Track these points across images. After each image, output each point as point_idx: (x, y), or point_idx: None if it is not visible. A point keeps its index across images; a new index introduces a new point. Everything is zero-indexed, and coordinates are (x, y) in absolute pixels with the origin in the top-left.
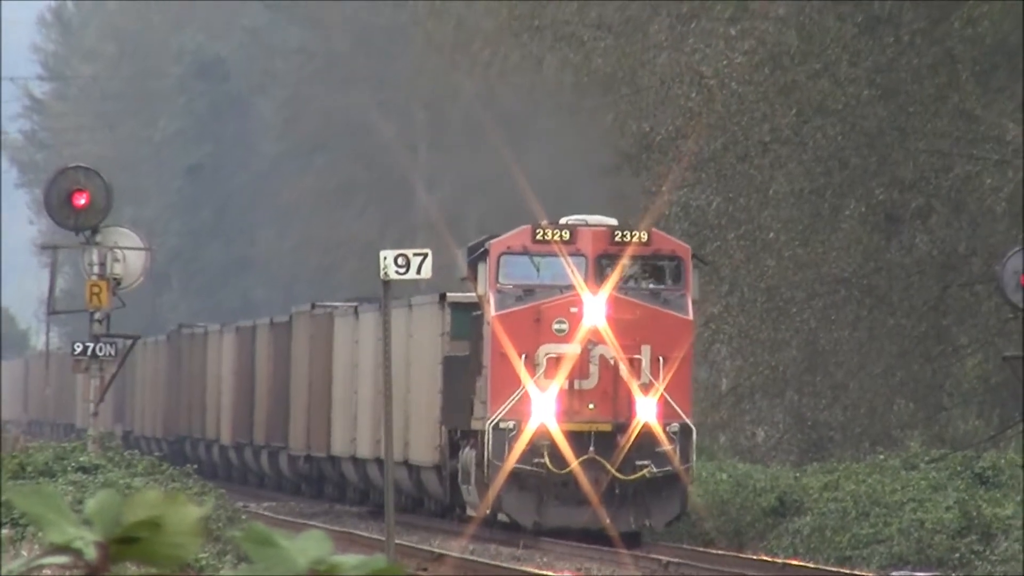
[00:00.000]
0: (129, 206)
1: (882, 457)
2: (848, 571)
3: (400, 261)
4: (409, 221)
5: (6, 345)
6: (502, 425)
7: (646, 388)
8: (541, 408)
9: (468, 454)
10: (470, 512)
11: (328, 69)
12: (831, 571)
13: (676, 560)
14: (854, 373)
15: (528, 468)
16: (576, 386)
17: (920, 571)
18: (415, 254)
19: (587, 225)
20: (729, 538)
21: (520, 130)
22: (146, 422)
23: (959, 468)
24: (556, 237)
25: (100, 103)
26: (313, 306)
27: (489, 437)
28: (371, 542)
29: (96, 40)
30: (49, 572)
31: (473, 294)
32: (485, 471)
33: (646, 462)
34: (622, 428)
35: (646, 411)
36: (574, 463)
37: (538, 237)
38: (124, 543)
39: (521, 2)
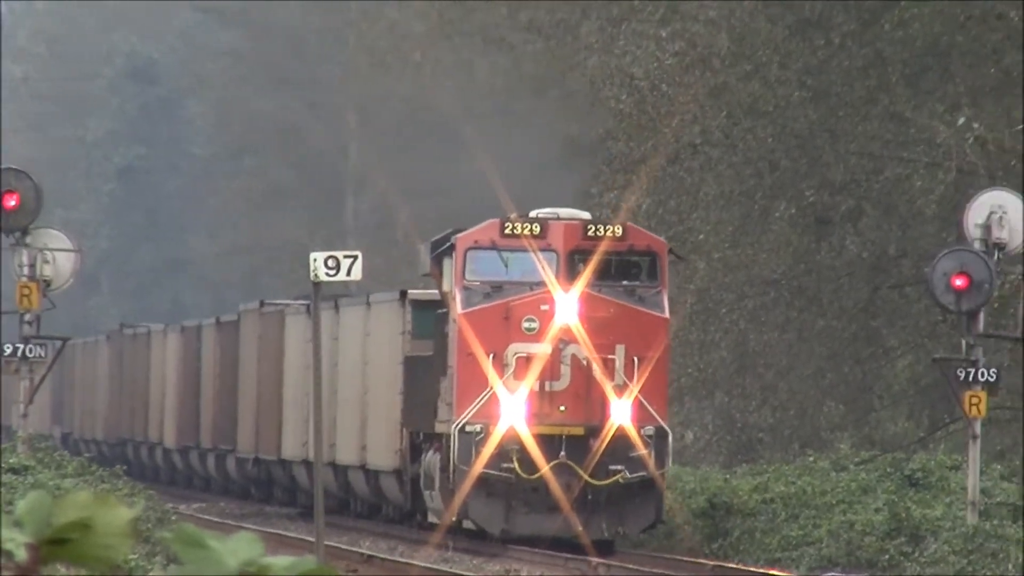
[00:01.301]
0: (59, 208)
1: (812, 459)
2: (778, 572)
3: (330, 263)
4: (339, 223)
5: None
6: (469, 428)
7: (620, 390)
8: (510, 410)
9: (432, 458)
10: (432, 519)
11: (258, 71)
12: (760, 573)
13: (606, 562)
14: (784, 375)
15: (496, 473)
16: (547, 387)
17: (850, 573)
18: (345, 256)
19: (558, 219)
20: (660, 540)
21: (452, 133)
22: (86, 424)
23: (889, 470)
24: (526, 231)
25: (30, 104)
26: (262, 304)
27: (455, 441)
28: (305, 544)
29: (26, 41)
30: None
31: (436, 291)
32: (450, 476)
33: (620, 467)
34: (595, 431)
35: (620, 414)
36: (544, 468)
37: (507, 231)
38: (55, 544)
39: (453, 3)
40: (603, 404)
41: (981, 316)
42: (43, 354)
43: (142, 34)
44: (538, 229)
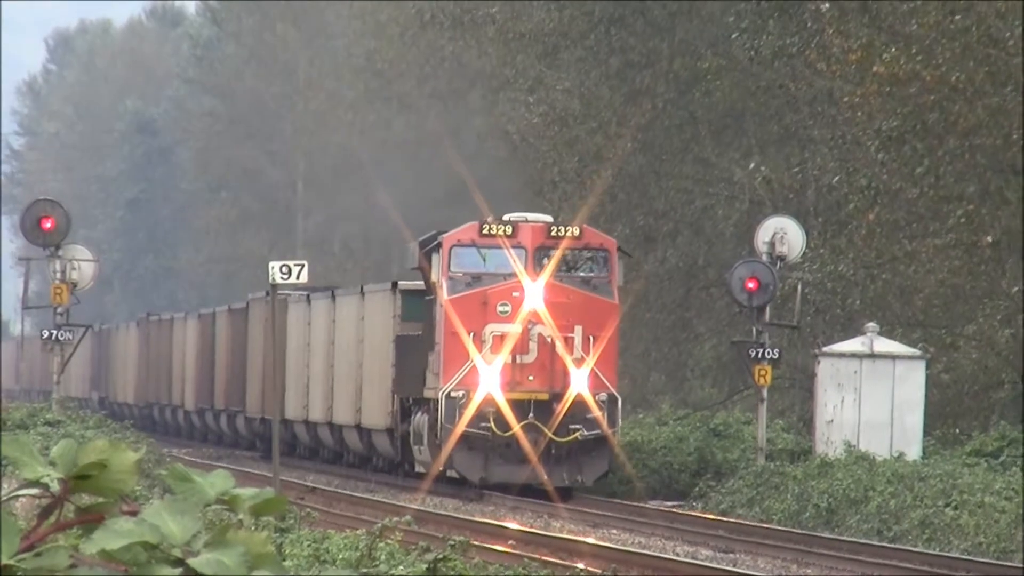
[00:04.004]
0: (83, 229)
1: (641, 416)
2: (618, 501)
3: (284, 270)
4: (291, 240)
5: None
6: (453, 394)
7: (578, 362)
8: (487, 379)
9: (420, 419)
10: (419, 469)
11: (230, 128)
12: (610, 503)
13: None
14: (621, 353)
15: (476, 431)
16: (518, 360)
17: (670, 501)
18: (295, 264)
19: (527, 221)
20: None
21: (374, 173)
22: (119, 390)
23: (698, 424)
24: (500, 232)
25: (61, 152)
26: (267, 293)
27: (442, 404)
28: (266, 479)
29: (58, 104)
30: (24, 501)
31: (421, 282)
32: (438, 434)
33: (578, 426)
34: (558, 397)
35: (578, 382)
36: (516, 427)
37: (484, 232)
38: (79, 479)
39: (375, 75)
40: (564, 374)
41: (767, 310)
42: (71, 337)
43: (144, 99)
44: (510, 230)
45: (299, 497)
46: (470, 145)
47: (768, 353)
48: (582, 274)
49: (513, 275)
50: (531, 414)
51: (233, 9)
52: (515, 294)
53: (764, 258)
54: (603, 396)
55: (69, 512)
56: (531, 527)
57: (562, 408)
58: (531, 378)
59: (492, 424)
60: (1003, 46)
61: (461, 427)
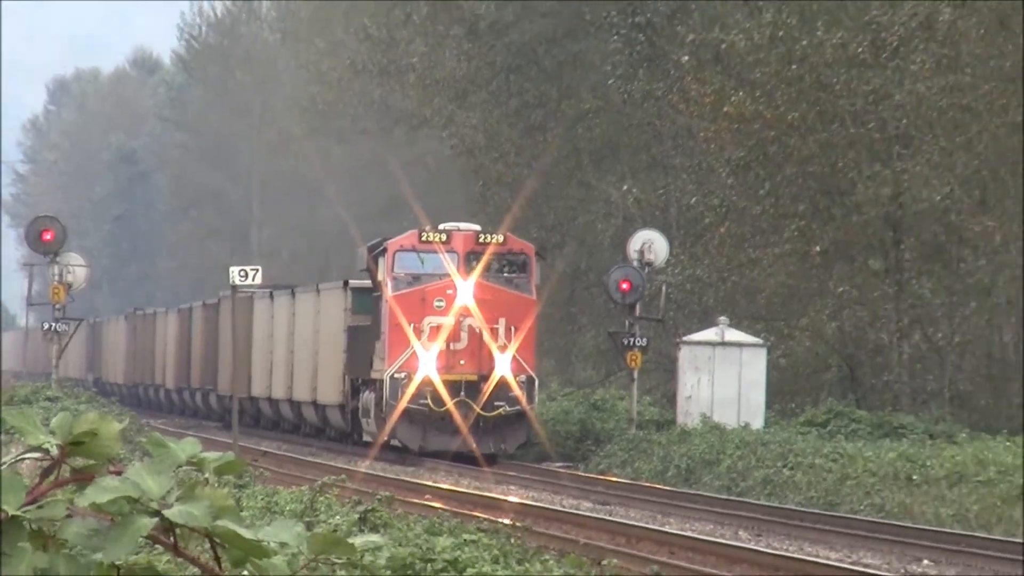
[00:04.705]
0: (77, 240)
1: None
2: (521, 463)
3: (242, 273)
4: (248, 249)
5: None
6: (396, 375)
7: (502, 349)
8: (425, 363)
9: (368, 396)
10: (367, 438)
11: (199, 157)
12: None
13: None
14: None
15: (416, 407)
16: (451, 347)
17: (559, 463)
18: (251, 269)
19: (459, 230)
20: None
21: (316, 194)
22: (111, 372)
23: (581, 399)
24: (436, 239)
25: (58, 177)
26: (235, 291)
27: (387, 384)
28: (228, 444)
29: (56, 138)
30: (28, 463)
31: (369, 282)
32: (383, 409)
33: (502, 403)
34: (485, 378)
35: (502, 366)
36: (449, 403)
37: (423, 238)
38: (74, 445)
39: (316, 113)
40: (490, 359)
41: (637, 306)
42: (67, 328)
43: (127, 134)
44: (445, 237)
45: (254, 460)
46: (395, 172)
47: (638, 341)
48: (505, 274)
49: (447, 275)
50: (462, 392)
51: (200, 59)
52: (449, 291)
53: (635, 264)
54: (523, 378)
55: (65, 472)
56: (455, 485)
57: (488, 387)
58: (462, 362)
59: (429, 401)
60: (831, 90)
61: (403, 403)
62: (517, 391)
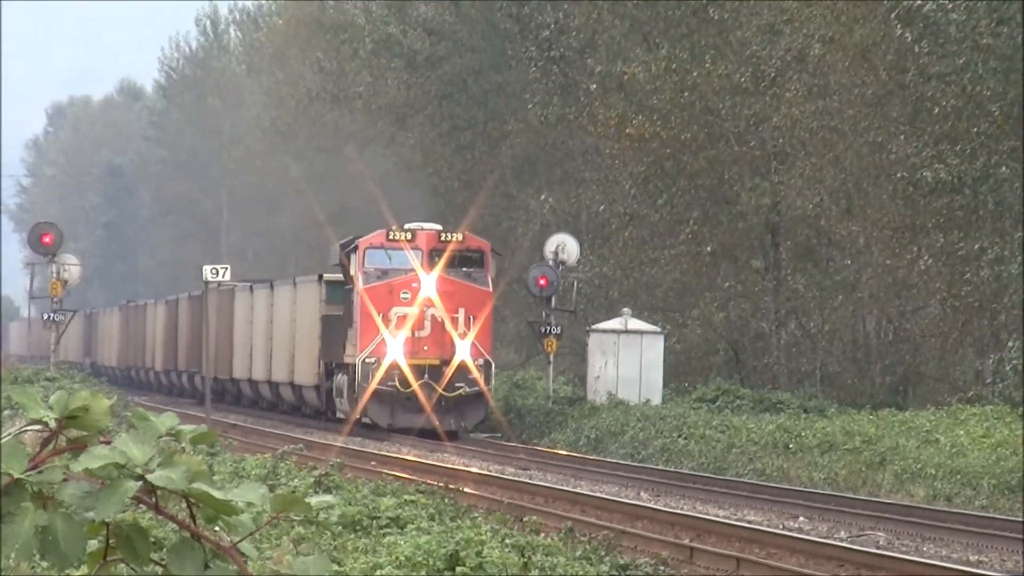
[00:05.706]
0: (72, 243)
1: None
2: (479, 438)
3: (213, 271)
4: (218, 250)
5: (6, 316)
6: (367, 360)
7: (462, 336)
8: (393, 349)
9: (341, 379)
10: (340, 415)
11: (176, 171)
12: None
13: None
14: None
15: (384, 388)
16: (416, 335)
17: (487, 434)
18: (221, 267)
19: (423, 229)
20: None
21: (277, 203)
22: (106, 356)
23: (505, 379)
24: (403, 237)
25: (56, 187)
26: (219, 284)
27: (358, 368)
28: (200, 418)
29: (54, 155)
30: (30, 434)
31: (341, 275)
32: (355, 390)
33: (462, 384)
34: (446, 362)
35: (462, 351)
36: (415, 385)
37: (391, 237)
38: (69, 419)
39: (277, 136)
40: (452, 345)
41: (553, 299)
42: (64, 318)
43: (115, 152)
44: (410, 236)
45: (224, 431)
46: (345, 184)
47: (554, 329)
48: (464, 269)
49: (412, 270)
50: (426, 375)
51: (178, 88)
52: (414, 284)
53: (551, 263)
54: (481, 361)
55: (62, 442)
56: (417, 456)
57: (450, 371)
58: (426, 348)
59: (397, 383)
60: (718, 114)
61: (373, 385)
62: (476, 374)
